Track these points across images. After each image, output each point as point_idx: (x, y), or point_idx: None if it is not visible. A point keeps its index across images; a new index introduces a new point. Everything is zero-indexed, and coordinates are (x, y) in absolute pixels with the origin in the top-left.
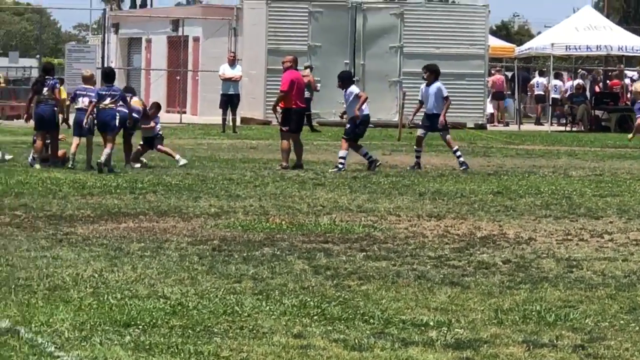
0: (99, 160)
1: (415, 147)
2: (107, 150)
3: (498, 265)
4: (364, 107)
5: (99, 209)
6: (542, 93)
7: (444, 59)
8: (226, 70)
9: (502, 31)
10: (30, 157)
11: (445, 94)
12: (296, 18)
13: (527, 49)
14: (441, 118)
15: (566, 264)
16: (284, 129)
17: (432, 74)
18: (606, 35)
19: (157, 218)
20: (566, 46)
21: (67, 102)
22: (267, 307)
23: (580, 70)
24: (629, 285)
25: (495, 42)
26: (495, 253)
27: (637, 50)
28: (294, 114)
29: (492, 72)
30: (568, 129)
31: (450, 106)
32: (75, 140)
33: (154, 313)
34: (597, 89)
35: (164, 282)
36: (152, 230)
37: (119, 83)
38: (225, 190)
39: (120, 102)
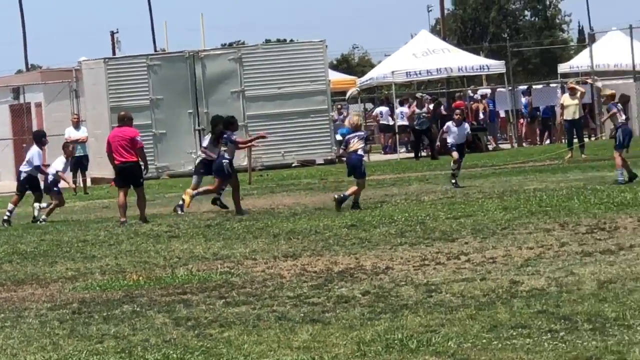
0: None
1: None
2: None
3: (357, 298)
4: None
5: None
6: (387, 123)
7: (286, 98)
8: (71, 133)
9: (343, 64)
10: None
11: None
12: (135, 73)
13: (369, 79)
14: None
15: (425, 289)
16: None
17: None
18: (445, 58)
19: (15, 287)
20: (406, 72)
21: None
22: None
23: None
24: (488, 304)
25: (336, 77)
26: (353, 286)
27: (477, 69)
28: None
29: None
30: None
31: (300, 144)
32: None
33: None
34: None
35: (26, 350)
36: (11, 300)
37: None
38: (80, 252)
39: None
